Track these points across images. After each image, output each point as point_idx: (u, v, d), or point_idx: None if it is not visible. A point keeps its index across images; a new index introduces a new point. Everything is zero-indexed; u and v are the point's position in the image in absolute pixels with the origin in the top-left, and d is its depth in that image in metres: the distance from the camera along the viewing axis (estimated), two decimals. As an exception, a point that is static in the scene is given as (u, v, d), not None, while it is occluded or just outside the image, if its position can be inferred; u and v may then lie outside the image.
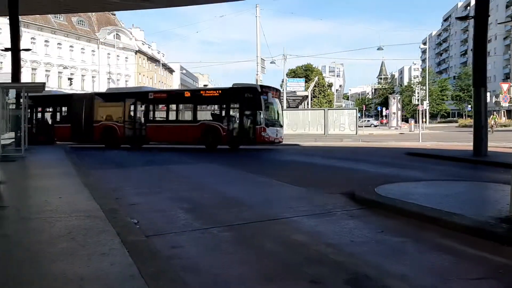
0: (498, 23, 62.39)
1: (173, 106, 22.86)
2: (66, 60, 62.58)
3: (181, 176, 11.82)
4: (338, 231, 5.64)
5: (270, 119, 20.74)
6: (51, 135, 25.12)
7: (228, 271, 4.13)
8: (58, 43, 61.84)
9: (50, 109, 26.62)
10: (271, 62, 30.13)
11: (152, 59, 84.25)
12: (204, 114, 21.78)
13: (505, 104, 37.00)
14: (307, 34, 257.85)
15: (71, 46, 64.05)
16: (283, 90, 41.52)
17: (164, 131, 22.36)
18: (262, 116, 19.91)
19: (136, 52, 76.19)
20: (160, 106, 23.28)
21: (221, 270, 4.15)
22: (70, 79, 60.18)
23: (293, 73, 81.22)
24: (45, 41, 59.97)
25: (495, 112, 58.51)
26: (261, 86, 21.48)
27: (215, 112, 21.50)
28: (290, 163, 15.42)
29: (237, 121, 20.72)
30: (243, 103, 20.38)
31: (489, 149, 15.28)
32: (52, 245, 4.59)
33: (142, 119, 23.30)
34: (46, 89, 21.43)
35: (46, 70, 59.50)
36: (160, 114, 23.36)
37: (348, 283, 3.78)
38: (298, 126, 28.87)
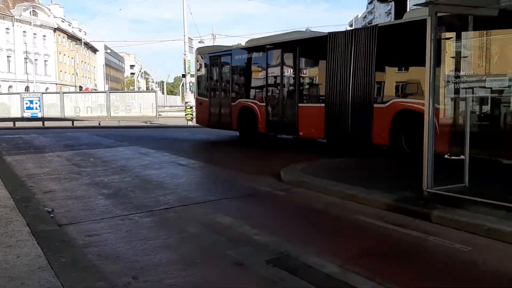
0: (414, 5, 65.79)
1: None
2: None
3: None
4: (263, 212, 5.64)
5: None
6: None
7: (148, 257, 3.96)
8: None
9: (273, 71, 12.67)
10: (199, 42, 29.36)
11: (73, 38, 79.62)
12: None
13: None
14: (238, 15, 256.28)
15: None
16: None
17: None
18: None
19: (55, 30, 71.57)
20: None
21: (141, 257, 3.97)
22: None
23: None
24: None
25: None
26: None
27: None
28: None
29: None
30: None
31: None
32: (-50, 238, 4.17)
33: None
34: None
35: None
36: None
37: (270, 263, 3.78)
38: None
